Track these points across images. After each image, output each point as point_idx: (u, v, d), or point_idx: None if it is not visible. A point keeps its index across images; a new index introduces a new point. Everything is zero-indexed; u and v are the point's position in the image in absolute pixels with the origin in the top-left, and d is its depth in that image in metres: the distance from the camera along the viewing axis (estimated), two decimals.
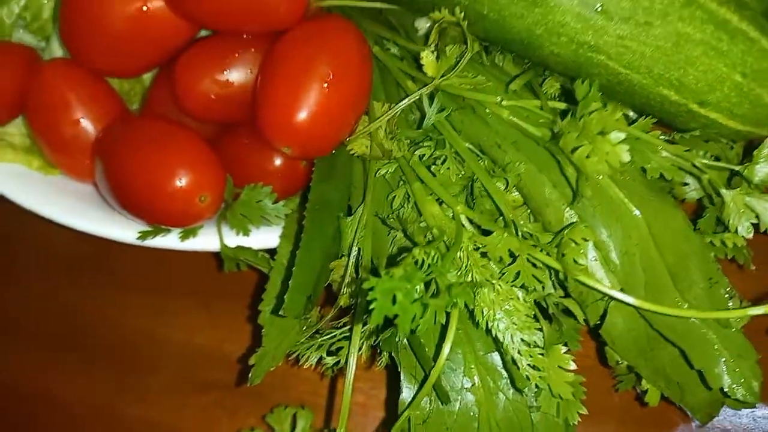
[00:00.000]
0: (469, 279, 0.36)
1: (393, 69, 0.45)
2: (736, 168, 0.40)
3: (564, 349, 0.37)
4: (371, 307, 0.28)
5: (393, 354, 0.38)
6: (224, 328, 0.53)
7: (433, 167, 0.41)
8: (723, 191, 0.40)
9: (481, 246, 0.35)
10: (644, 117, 0.42)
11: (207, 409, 0.51)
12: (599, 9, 0.39)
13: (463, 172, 0.41)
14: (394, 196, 0.41)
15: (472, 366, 0.38)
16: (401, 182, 0.41)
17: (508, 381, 0.38)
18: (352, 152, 0.43)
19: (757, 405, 0.41)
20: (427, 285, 0.33)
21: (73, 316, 0.56)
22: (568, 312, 0.40)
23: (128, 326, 0.55)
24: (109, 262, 0.57)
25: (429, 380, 0.34)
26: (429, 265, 0.33)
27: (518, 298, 0.35)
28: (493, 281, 0.35)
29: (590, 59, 0.41)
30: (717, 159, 0.44)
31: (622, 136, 0.33)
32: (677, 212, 0.39)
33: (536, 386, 0.37)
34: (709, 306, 0.38)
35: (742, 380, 0.37)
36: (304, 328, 0.41)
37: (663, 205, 0.39)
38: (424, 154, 0.40)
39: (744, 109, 0.41)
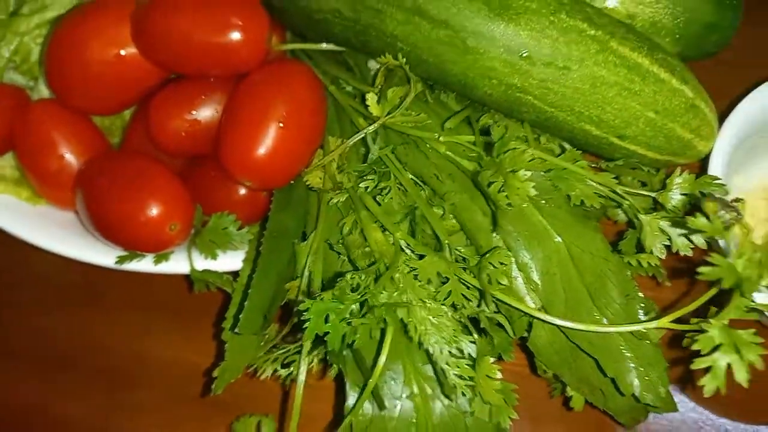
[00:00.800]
0: (404, 298, 0.40)
1: (346, 107, 0.50)
2: (653, 195, 0.45)
3: (492, 359, 0.41)
4: (305, 326, 0.33)
5: (339, 365, 0.42)
6: (199, 343, 0.57)
7: (378, 197, 0.45)
8: (640, 216, 0.44)
9: (413, 269, 0.40)
10: (570, 149, 0.46)
11: (199, 420, 0.54)
12: (524, 55, 0.43)
13: (405, 202, 0.45)
14: (344, 224, 0.45)
15: (411, 376, 0.43)
16: (351, 211, 0.46)
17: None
18: (307, 184, 0.48)
19: (679, 409, 0.45)
20: (363, 304, 0.37)
21: (66, 337, 0.60)
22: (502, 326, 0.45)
23: (117, 345, 0.59)
24: (98, 286, 0.61)
25: (367, 388, 0.38)
26: (364, 288, 0.37)
27: (446, 315, 0.39)
28: (425, 300, 0.40)
29: (519, 99, 0.45)
30: (644, 184, 0.49)
31: (529, 174, 0.37)
32: (597, 235, 0.44)
33: (471, 393, 0.41)
34: (625, 319, 0.42)
35: (651, 387, 0.41)
36: (263, 343, 0.45)
37: (584, 229, 0.44)
38: (368, 186, 0.44)
39: (659, 142, 0.46)
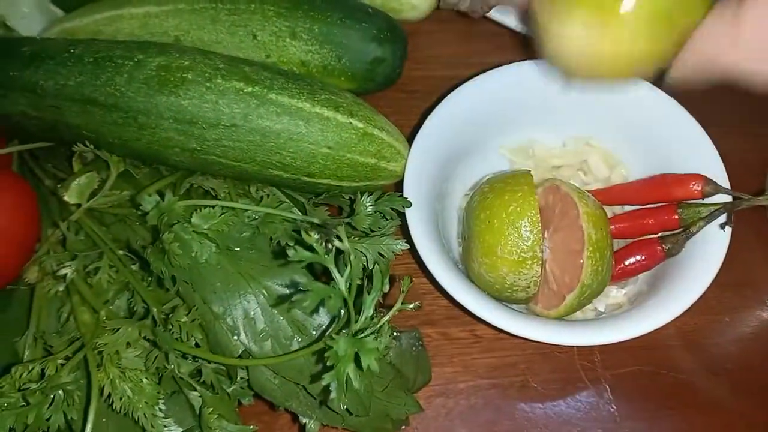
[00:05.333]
0: (110, 373, 0.42)
1: (63, 199, 0.52)
2: (346, 220, 0.49)
3: (210, 409, 0.44)
4: None
5: None
6: None
7: (89, 279, 0.47)
8: (338, 243, 0.48)
9: (104, 344, 0.42)
10: (271, 195, 0.50)
11: None
12: (191, 121, 0.47)
13: (118, 278, 0.48)
14: (62, 312, 0.47)
15: None
16: (69, 298, 0.48)
17: None
18: (26, 280, 0.49)
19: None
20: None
21: None
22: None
23: None
24: None
25: None
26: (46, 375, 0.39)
27: (147, 380, 0.42)
28: (125, 370, 0.42)
29: (205, 160, 0.49)
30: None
31: (172, 235, 0.40)
32: (300, 270, 0.47)
33: None
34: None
35: (358, 398, 0.44)
36: None
37: (285, 267, 0.47)
38: (66, 273, 0.46)
39: (346, 172, 0.50)
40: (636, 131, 0.56)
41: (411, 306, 0.41)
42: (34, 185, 0.52)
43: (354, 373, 0.34)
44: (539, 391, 0.55)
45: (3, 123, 0.52)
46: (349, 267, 0.35)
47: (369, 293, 0.36)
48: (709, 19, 0.41)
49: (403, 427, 0.50)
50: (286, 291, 0.46)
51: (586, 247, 0.45)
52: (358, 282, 0.36)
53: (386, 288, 0.37)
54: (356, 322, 0.36)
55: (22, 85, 0.49)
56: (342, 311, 0.36)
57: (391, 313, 0.39)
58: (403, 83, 0.65)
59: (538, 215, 0.46)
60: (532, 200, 0.46)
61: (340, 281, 0.35)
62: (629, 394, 0.54)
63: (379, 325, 0.38)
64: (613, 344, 0.51)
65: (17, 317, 0.48)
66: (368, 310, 0.36)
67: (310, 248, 0.35)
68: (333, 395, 0.34)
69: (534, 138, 0.60)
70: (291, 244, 0.47)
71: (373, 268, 0.37)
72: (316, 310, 0.44)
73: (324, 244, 0.35)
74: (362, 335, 0.36)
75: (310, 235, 0.35)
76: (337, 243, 0.36)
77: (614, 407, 0.54)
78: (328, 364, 0.35)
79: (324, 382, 0.34)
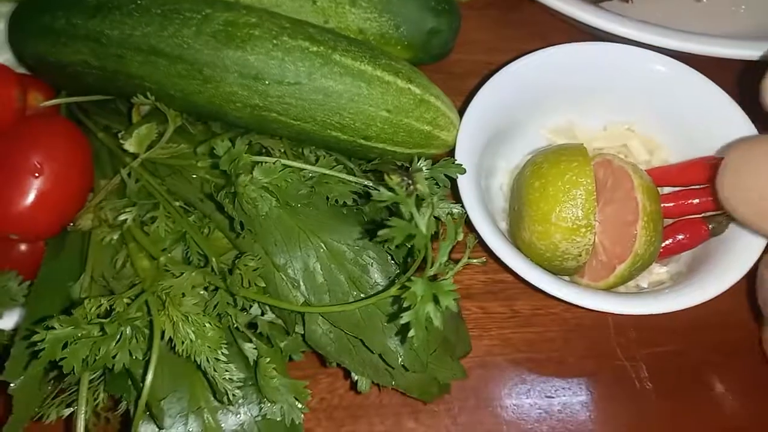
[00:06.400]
0: (173, 316, 0.42)
1: (115, 150, 0.52)
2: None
3: (267, 359, 0.44)
4: (39, 355, 0.34)
5: (120, 393, 0.43)
6: None
7: (145, 228, 0.47)
8: (419, 186, 0.48)
9: (169, 287, 0.42)
10: (326, 156, 0.51)
11: None
12: (257, 77, 0.47)
13: (174, 228, 0.48)
14: (117, 259, 0.47)
15: (198, 392, 0.44)
16: (123, 246, 0.48)
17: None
18: (80, 227, 0.49)
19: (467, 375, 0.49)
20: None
21: None
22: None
23: None
24: None
25: (138, 408, 0.40)
26: (115, 312, 0.39)
27: (211, 326, 0.42)
28: (189, 315, 0.42)
29: (265, 117, 0.49)
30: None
31: (248, 178, 0.41)
32: (355, 228, 0.48)
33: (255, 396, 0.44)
34: (387, 300, 0.46)
35: (415, 357, 0.44)
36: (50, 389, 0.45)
37: (341, 225, 0.47)
38: (127, 219, 0.46)
39: (401, 137, 0.51)
40: (677, 118, 0.58)
41: (476, 261, 0.42)
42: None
43: (434, 311, 0.34)
44: (576, 367, 0.55)
45: (57, 72, 0.52)
46: (429, 210, 0.35)
47: (444, 241, 0.37)
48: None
49: (445, 394, 0.50)
50: (344, 248, 0.46)
51: (641, 217, 0.46)
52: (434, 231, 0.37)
53: (460, 236, 0.37)
54: (431, 267, 0.37)
55: (85, 34, 0.49)
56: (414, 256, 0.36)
57: (460, 264, 0.40)
58: (442, 64, 0.66)
59: (594, 184, 0.47)
60: (588, 169, 0.47)
61: (421, 223, 0.35)
62: (665, 373, 0.55)
63: (450, 275, 0.38)
64: (649, 323, 0.52)
65: (70, 262, 0.47)
66: (443, 257, 0.37)
67: (390, 190, 0.36)
68: (412, 332, 0.34)
69: (574, 121, 0.61)
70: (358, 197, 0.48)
71: (446, 219, 0.38)
72: (386, 258, 0.44)
73: (405, 187, 0.36)
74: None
75: (392, 178, 0.36)
76: (418, 186, 0.36)
77: (650, 385, 0.55)
78: (404, 305, 0.36)
79: (403, 321, 0.35)
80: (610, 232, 0.49)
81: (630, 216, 0.47)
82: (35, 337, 0.35)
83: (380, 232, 0.34)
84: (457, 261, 0.41)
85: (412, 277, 0.36)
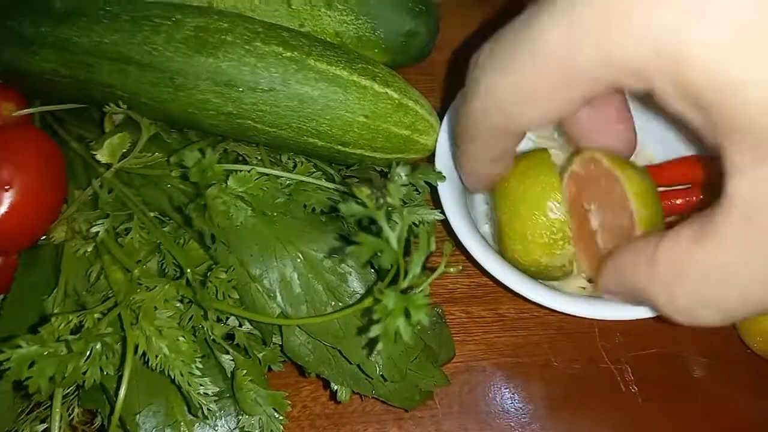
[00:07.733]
0: (146, 331, 0.41)
1: (89, 160, 0.51)
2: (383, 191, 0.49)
3: (244, 371, 0.43)
4: (6, 373, 0.33)
5: (95, 408, 0.42)
6: None
7: (120, 239, 0.46)
8: (389, 199, 0.47)
9: (141, 300, 0.41)
10: (304, 162, 0.50)
11: None
12: (229, 83, 0.46)
13: (149, 239, 0.47)
14: (91, 272, 0.46)
15: (174, 407, 0.44)
16: (97, 258, 0.47)
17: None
18: (53, 240, 0.48)
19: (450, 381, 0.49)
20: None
21: None
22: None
23: None
24: None
25: (113, 421, 0.39)
26: (85, 327, 0.38)
27: (184, 340, 0.41)
28: (161, 328, 0.41)
29: (240, 125, 0.48)
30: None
31: (216, 191, 0.40)
32: (333, 237, 0.47)
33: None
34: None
35: (395, 366, 0.44)
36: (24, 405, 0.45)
37: (320, 234, 0.47)
38: (98, 231, 0.45)
39: (380, 143, 0.50)
40: (661, 116, 0.57)
41: (453, 270, 0.41)
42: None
43: (404, 326, 0.34)
44: (561, 370, 0.55)
45: (31, 82, 0.52)
46: (400, 222, 0.35)
47: (416, 252, 0.36)
48: (630, 254, 0.40)
49: (428, 401, 0.49)
50: (322, 257, 0.46)
51: (638, 225, 0.45)
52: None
53: (432, 247, 0.37)
54: (404, 279, 0.36)
55: (53, 42, 0.48)
56: (391, 267, 0.35)
57: (435, 274, 0.39)
58: (427, 66, 0.65)
59: (562, 194, 0.46)
60: (554, 181, 0.46)
61: (392, 236, 0.34)
62: (650, 376, 0.55)
63: (424, 285, 0.38)
64: (634, 326, 0.51)
65: (44, 276, 0.47)
66: (416, 268, 0.36)
67: (360, 204, 0.35)
68: (379, 347, 0.34)
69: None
70: (336, 204, 0.47)
71: (419, 228, 0.37)
72: (365, 265, 0.44)
73: (375, 199, 0.35)
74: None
75: (361, 190, 0.35)
76: (388, 199, 0.36)
77: (635, 388, 0.54)
78: (375, 318, 0.35)
79: (371, 334, 0.34)
80: (611, 235, 0.47)
81: (626, 221, 0.46)
82: (0, 357, 0.34)
83: (347, 250, 0.33)
84: (433, 269, 0.40)
85: (384, 290, 0.35)
